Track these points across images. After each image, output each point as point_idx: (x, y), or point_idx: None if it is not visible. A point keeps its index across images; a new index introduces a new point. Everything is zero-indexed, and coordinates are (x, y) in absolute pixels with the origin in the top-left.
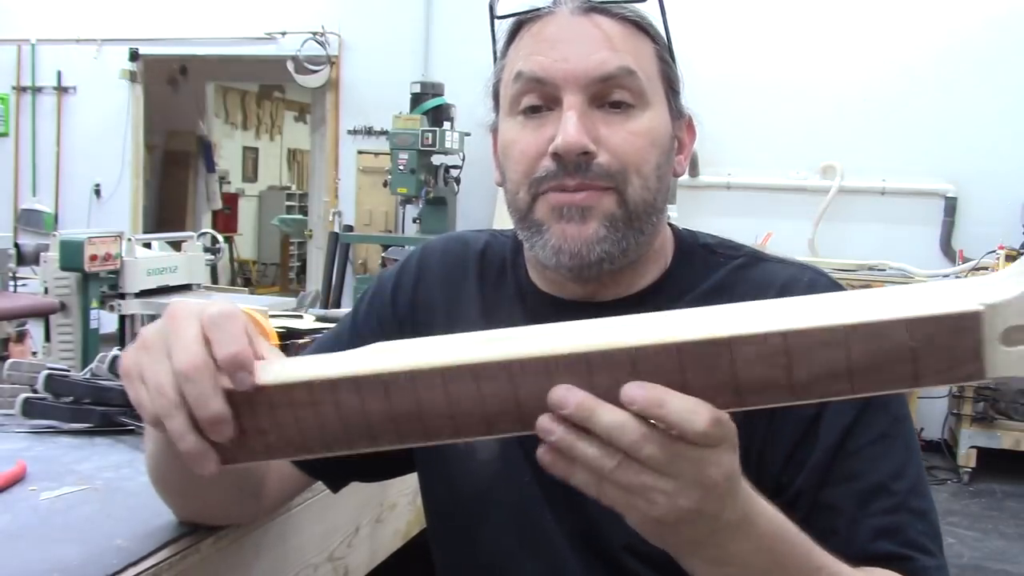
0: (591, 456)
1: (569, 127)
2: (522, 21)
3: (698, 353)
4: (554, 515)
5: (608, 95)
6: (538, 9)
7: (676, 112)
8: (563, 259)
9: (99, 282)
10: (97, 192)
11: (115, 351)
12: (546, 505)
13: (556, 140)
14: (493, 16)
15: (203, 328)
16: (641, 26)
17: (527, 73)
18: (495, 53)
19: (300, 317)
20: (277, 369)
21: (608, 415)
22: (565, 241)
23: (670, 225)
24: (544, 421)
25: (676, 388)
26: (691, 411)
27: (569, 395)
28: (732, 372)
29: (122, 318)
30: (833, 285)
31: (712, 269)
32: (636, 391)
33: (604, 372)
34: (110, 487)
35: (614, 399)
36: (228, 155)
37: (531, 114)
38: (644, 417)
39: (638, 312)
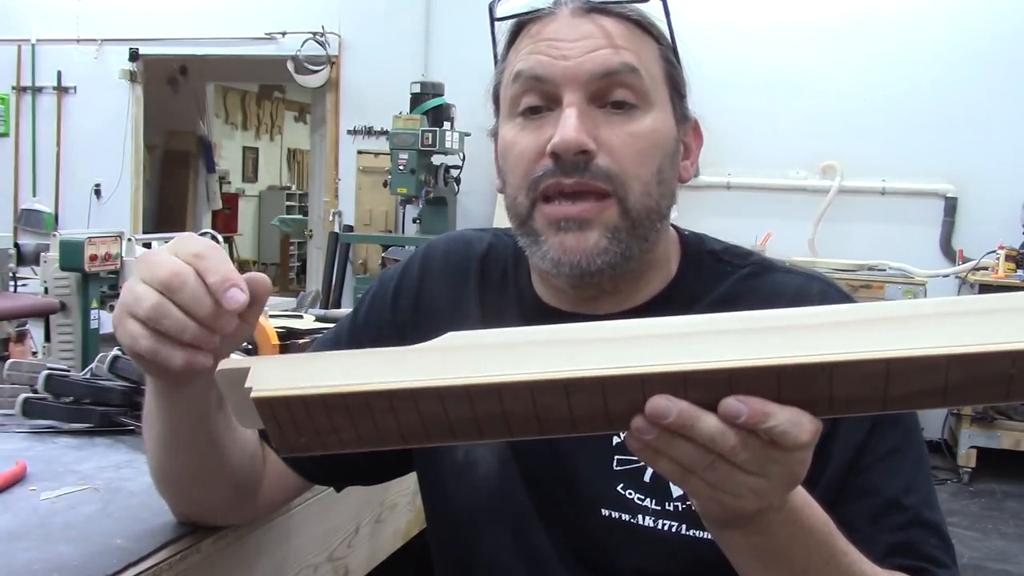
0: (685, 454)
1: (567, 125)
2: (522, 23)
3: (797, 376)
4: (549, 535)
5: (609, 94)
6: (538, 10)
7: (681, 116)
8: (563, 269)
9: (99, 282)
10: (97, 192)
11: (115, 351)
12: (541, 525)
13: (554, 138)
14: (493, 18)
15: (184, 258)
16: (644, 26)
17: (526, 72)
18: (495, 56)
19: (300, 317)
20: (346, 368)
21: (709, 424)
22: (564, 253)
23: (676, 229)
24: (640, 423)
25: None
26: (796, 424)
27: (671, 405)
28: (828, 391)
29: None
30: (843, 296)
31: (719, 278)
32: (739, 407)
33: (700, 389)
34: (110, 487)
35: (708, 408)
36: (228, 155)
37: (531, 115)
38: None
39: None
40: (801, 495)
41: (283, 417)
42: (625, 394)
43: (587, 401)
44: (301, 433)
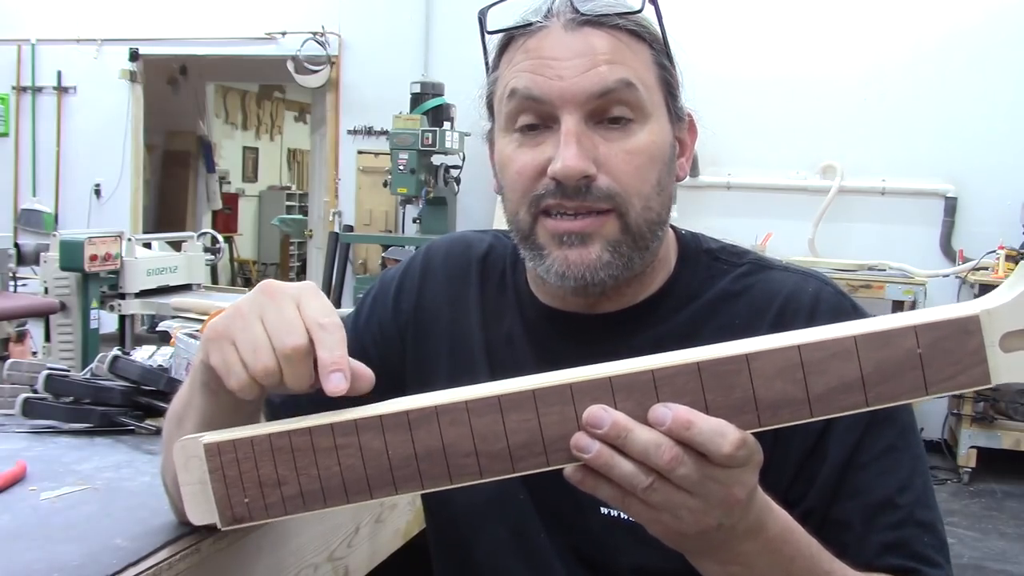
0: (626, 473)
1: (568, 152)
2: (513, 34)
3: (718, 371)
4: (549, 534)
5: (607, 111)
6: (530, 24)
7: (676, 117)
8: (568, 283)
9: (99, 282)
10: (97, 192)
11: (115, 351)
12: (541, 524)
13: (555, 164)
14: (483, 31)
15: (306, 324)
16: (637, 33)
17: (522, 91)
18: (487, 64)
19: None
20: (295, 421)
21: (644, 434)
22: (568, 267)
23: (673, 228)
24: (581, 438)
25: (699, 410)
26: (719, 432)
27: (606, 414)
28: (751, 389)
29: (122, 318)
30: (838, 294)
31: (716, 277)
32: (664, 412)
33: (628, 396)
34: (110, 487)
35: (641, 422)
36: (228, 155)
37: (528, 132)
38: (673, 438)
39: (639, 321)
40: (781, 522)
41: (229, 466)
42: (557, 409)
43: (522, 421)
44: (245, 490)
